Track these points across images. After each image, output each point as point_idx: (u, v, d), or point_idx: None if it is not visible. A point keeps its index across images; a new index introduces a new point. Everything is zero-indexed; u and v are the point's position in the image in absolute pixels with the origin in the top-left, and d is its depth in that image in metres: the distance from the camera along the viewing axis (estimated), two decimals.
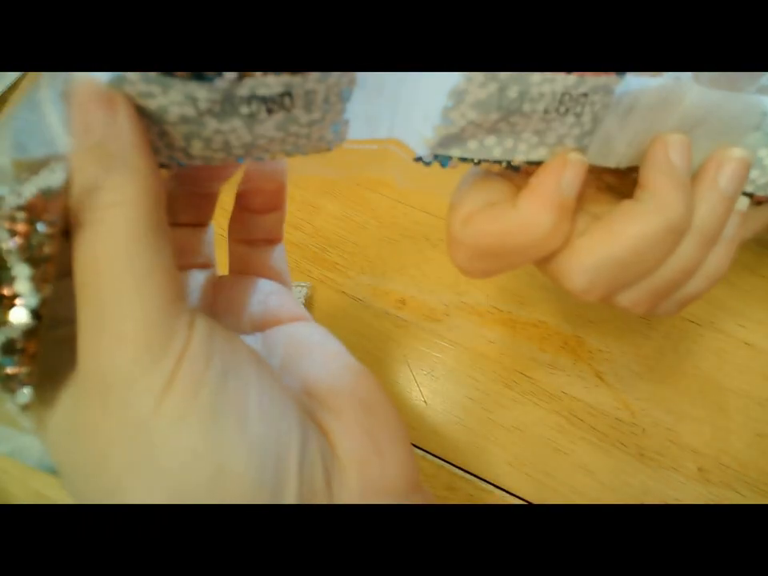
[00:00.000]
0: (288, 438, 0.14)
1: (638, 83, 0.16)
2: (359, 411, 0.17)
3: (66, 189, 0.13)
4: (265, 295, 0.21)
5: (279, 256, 0.22)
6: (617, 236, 0.18)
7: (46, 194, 0.12)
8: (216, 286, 0.21)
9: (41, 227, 0.12)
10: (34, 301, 0.12)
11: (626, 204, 0.18)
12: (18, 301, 0.12)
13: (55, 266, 0.13)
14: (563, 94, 0.15)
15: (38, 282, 0.12)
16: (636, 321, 0.35)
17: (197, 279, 0.21)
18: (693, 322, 0.35)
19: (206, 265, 0.21)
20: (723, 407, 0.33)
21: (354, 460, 0.16)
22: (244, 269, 0.22)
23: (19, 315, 0.12)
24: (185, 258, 0.21)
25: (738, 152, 0.18)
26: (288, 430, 0.15)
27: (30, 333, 0.13)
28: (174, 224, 0.20)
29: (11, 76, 0.44)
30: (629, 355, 0.34)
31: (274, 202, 0.22)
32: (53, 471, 0.16)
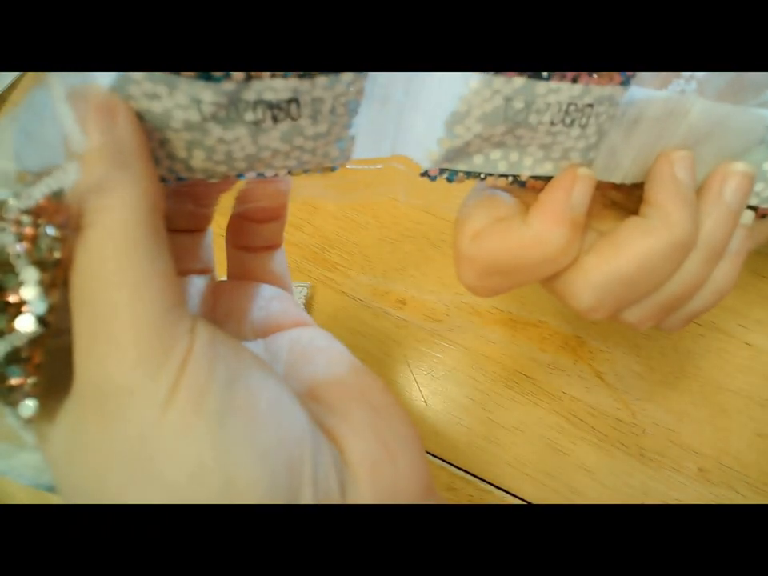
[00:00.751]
0: (300, 446, 0.14)
1: (643, 94, 0.16)
2: (367, 414, 0.16)
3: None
4: (266, 300, 0.20)
5: (280, 260, 0.22)
6: (623, 253, 0.17)
7: (57, 196, 0.12)
8: (216, 291, 0.21)
9: (50, 230, 0.12)
10: (41, 307, 0.12)
11: (632, 221, 0.18)
12: (24, 308, 0.12)
13: (64, 271, 0.12)
14: (569, 105, 0.15)
15: (46, 287, 0.12)
16: None
17: (196, 285, 0.20)
18: (694, 322, 0.35)
19: (205, 270, 0.21)
20: (724, 407, 0.33)
21: (365, 464, 0.15)
22: (244, 274, 0.22)
23: (26, 323, 0.12)
24: (183, 264, 0.20)
25: (741, 166, 0.18)
26: (300, 438, 0.14)
27: (36, 341, 0.12)
28: (171, 230, 0.20)
29: (11, 76, 0.44)
30: (629, 355, 0.34)
31: (275, 214, 0.21)
32: (50, 490, 0.15)
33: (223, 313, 0.20)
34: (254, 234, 0.21)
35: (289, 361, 0.18)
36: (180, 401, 0.13)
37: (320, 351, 0.19)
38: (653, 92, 0.16)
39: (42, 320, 0.12)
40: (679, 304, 0.20)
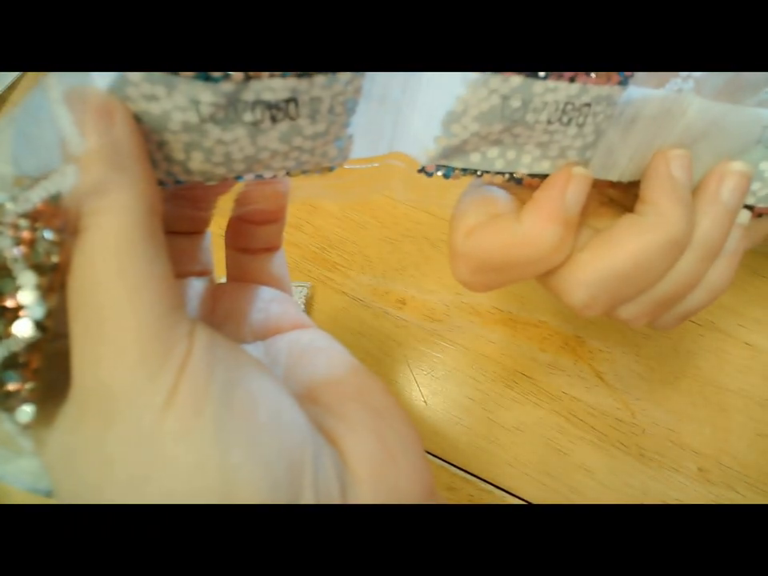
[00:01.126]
0: (301, 451, 0.14)
1: (640, 93, 0.16)
2: (367, 414, 0.16)
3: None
4: (265, 303, 0.20)
5: (279, 262, 0.22)
6: (618, 250, 0.17)
7: (55, 199, 0.12)
8: (215, 293, 0.20)
9: (48, 234, 0.12)
10: (39, 312, 0.12)
11: (627, 218, 0.18)
12: (22, 312, 0.12)
13: (63, 275, 0.12)
14: (566, 104, 0.15)
15: (44, 291, 0.12)
16: None
17: (195, 287, 0.20)
18: (693, 322, 0.35)
19: (204, 272, 0.21)
20: (723, 407, 0.33)
21: (366, 467, 0.15)
22: (243, 276, 0.21)
23: (23, 327, 0.12)
24: (181, 266, 0.20)
25: (738, 165, 0.18)
26: (300, 442, 0.14)
27: (33, 346, 0.12)
28: (169, 232, 0.19)
29: (11, 76, 0.44)
30: (629, 355, 0.34)
31: (273, 216, 0.21)
32: (47, 495, 0.15)
33: (222, 315, 0.20)
34: (252, 236, 0.21)
35: (288, 363, 0.18)
36: (179, 403, 0.12)
37: (319, 352, 0.19)
38: (650, 91, 0.16)
39: (39, 325, 0.12)
40: (673, 302, 0.20)
